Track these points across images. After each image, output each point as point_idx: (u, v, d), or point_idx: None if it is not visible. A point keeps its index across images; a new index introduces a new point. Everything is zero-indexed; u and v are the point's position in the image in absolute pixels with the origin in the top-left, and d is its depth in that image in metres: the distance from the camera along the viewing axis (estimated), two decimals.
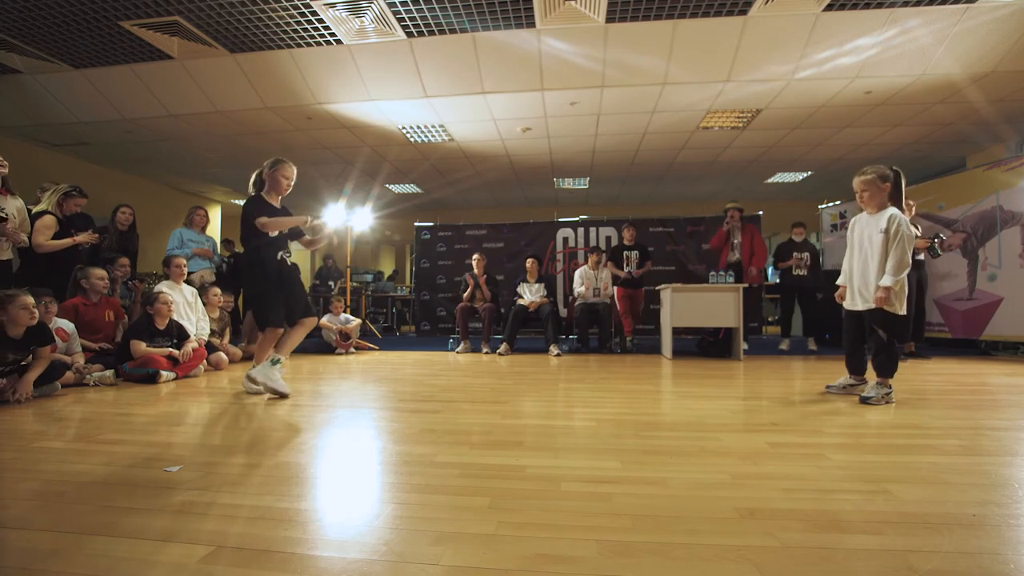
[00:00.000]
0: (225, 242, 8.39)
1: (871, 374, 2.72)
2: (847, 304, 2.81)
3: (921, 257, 4.61)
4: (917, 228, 4.79)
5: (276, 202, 2.93)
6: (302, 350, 5.44)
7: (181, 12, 4.10)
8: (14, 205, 3.46)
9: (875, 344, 2.63)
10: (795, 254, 5.79)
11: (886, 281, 2.54)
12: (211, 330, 4.55)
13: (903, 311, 2.60)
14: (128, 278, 4.52)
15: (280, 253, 2.90)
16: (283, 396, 2.75)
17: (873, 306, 2.62)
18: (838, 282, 2.90)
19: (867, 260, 2.68)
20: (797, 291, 5.86)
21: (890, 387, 2.58)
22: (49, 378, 2.89)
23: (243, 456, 1.72)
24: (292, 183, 2.94)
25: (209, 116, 5.92)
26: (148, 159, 7.63)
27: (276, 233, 2.86)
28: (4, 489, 1.41)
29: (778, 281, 7.02)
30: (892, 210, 2.60)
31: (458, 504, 1.29)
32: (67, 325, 3.40)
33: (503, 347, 5.34)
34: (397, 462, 1.65)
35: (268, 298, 2.83)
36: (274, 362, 2.85)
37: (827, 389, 2.89)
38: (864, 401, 2.54)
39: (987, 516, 1.20)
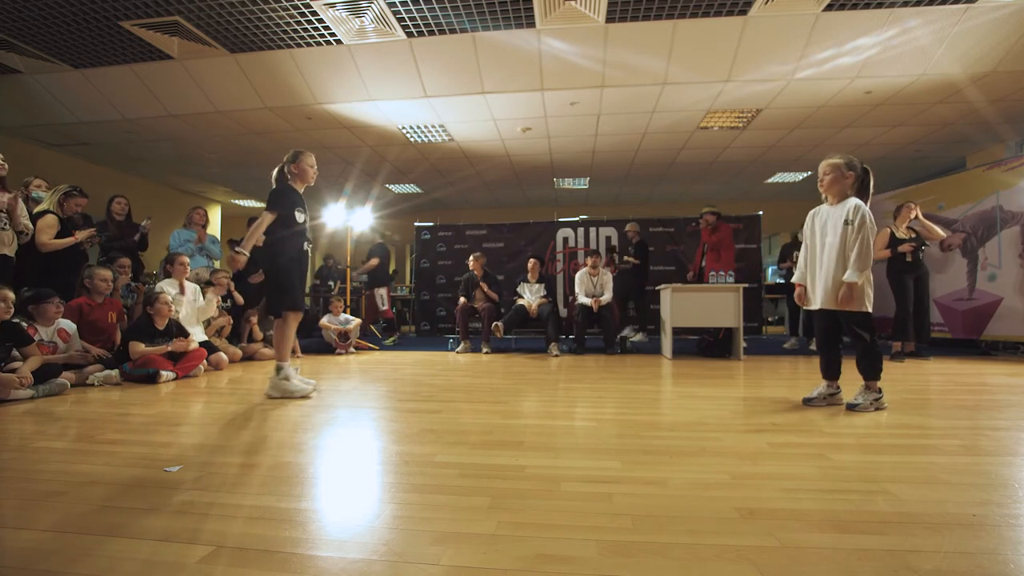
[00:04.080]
0: (229, 243, 8.38)
1: (841, 380, 2.57)
2: (809, 303, 2.60)
3: (910, 259, 4.60)
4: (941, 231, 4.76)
5: (301, 190, 3.05)
6: (301, 349, 5.44)
7: (181, 12, 4.10)
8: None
9: (858, 347, 2.46)
10: (794, 253, 5.87)
11: (851, 277, 2.35)
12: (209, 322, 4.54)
13: (870, 308, 2.43)
14: (131, 278, 4.52)
15: (305, 244, 3.03)
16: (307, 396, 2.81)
17: (833, 307, 2.44)
18: (795, 279, 2.66)
19: (829, 254, 2.47)
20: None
21: (879, 391, 2.42)
22: (44, 376, 2.90)
23: (243, 456, 1.72)
24: (316, 169, 3.11)
25: (209, 116, 5.92)
26: (148, 159, 7.63)
27: (302, 219, 2.98)
28: (4, 489, 1.41)
29: (778, 281, 7.06)
30: (855, 200, 2.42)
31: (458, 504, 1.29)
32: (69, 326, 3.41)
33: (497, 324, 5.33)
34: (397, 462, 1.65)
35: (291, 284, 2.92)
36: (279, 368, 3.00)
37: (806, 403, 2.56)
38: (851, 408, 2.40)
39: (987, 516, 1.20)
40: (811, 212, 2.64)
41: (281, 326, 2.93)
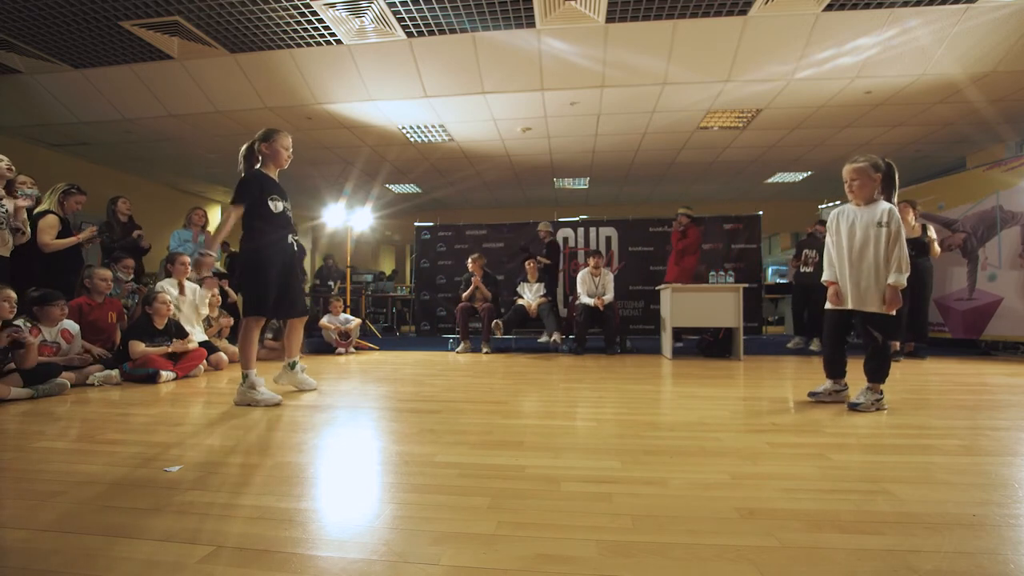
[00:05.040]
0: (222, 244, 8.38)
1: (849, 377, 2.59)
2: (838, 303, 2.56)
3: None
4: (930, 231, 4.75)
5: (275, 175, 2.80)
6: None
7: (181, 12, 4.10)
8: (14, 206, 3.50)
9: (870, 348, 2.48)
10: (804, 252, 5.89)
11: (899, 280, 2.37)
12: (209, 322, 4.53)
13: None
14: (132, 278, 4.52)
15: (291, 236, 2.78)
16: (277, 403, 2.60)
17: (871, 309, 2.44)
18: (826, 278, 2.62)
19: (859, 256, 2.48)
20: (807, 289, 5.76)
21: (881, 393, 2.43)
22: (44, 376, 2.89)
23: (243, 456, 1.72)
24: (291, 152, 2.83)
25: (209, 116, 5.93)
26: (148, 159, 7.63)
27: (280, 210, 2.70)
28: (4, 489, 1.41)
29: (779, 280, 7.07)
30: (887, 204, 2.45)
31: (458, 504, 1.29)
32: (72, 326, 3.41)
33: (496, 322, 5.35)
34: (397, 462, 1.65)
35: (265, 285, 2.66)
36: (292, 366, 2.98)
37: (810, 397, 2.66)
38: (853, 408, 2.40)
39: (987, 516, 1.20)
40: (835, 211, 2.63)
41: (242, 330, 2.69)
